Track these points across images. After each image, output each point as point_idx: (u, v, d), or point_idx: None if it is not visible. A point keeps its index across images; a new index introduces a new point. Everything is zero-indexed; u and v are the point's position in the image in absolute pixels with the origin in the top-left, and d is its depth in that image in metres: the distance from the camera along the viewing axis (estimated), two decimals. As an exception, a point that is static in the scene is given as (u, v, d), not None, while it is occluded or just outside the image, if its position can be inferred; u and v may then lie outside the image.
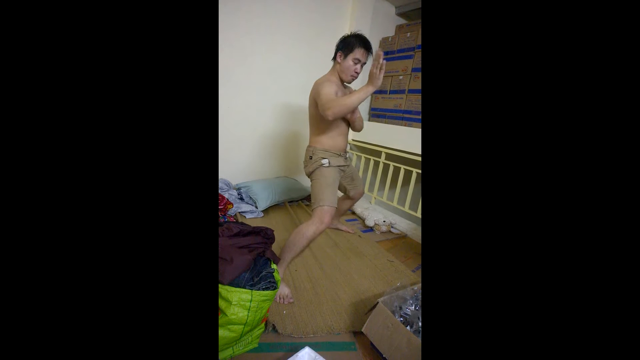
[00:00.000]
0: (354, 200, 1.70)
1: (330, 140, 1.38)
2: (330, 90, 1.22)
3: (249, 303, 0.80)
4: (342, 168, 1.42)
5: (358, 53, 1.25)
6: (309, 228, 1.21)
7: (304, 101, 2.45)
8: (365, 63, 1.29)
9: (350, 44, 1.26)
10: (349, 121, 1.42)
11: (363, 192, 1.69)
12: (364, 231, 1.95)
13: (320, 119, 1.33)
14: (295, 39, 2.26)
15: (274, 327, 1.00)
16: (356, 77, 1.32)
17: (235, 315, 0.78)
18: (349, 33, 1.31)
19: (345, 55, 1.27)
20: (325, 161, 1.35)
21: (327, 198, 1.27)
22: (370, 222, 1.98)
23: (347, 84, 1.40)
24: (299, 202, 2.34)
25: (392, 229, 2.02)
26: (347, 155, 1.54)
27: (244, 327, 0.80)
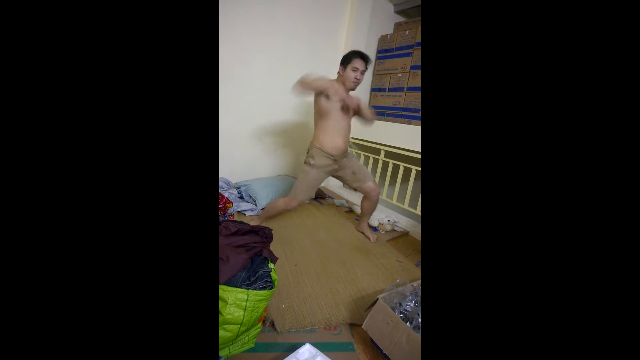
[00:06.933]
0: (369, 198, 1.67)
1: (327, 139, 1.55)
2: (321, 78, 1.48)
3: (245, 303, 0.80)
4: (328, 170, 1.59)
5: (356, 63, 1.47)
6: (279, 203, 1.63)
7: (303, 99, 2.43)
8: (364, 71, 1.49)
9: (349, 57, 1.49)
10: (359, 113, 1.56)
11: (375, 188, 1.64)
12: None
13: (319, 117, 1.56)
14: (295, 37, 2.25)
15: (272, 324, 0.99)
16: (358, 83, 1.51)
17: (231, 315, 0.77)
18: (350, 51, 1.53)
19: (345, 67, 1.49)
20: (311, 160, 1.56)
21: (301, 194, 1.58)
22: (374, 222, 1.97)
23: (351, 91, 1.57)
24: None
25: (395, 228, 2.01)
26: (344, 156, 1.64)
27: (240, 327, 0.79)
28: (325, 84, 1.45)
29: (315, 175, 1.57)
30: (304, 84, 1.43)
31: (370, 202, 1.68)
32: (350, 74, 1.48)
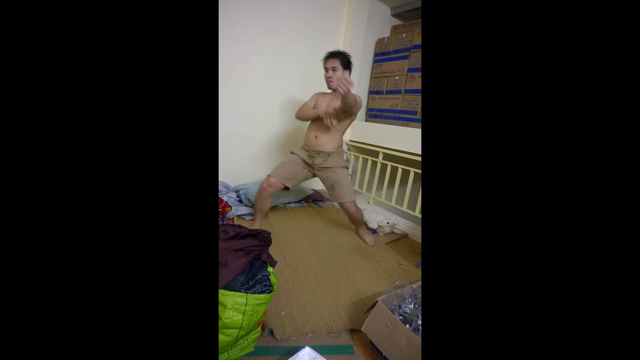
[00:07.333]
0: (347, 215, 1.75)
1: (305, 135, 1.79)
2: (307, 101, 1.76)
3: (244, 307, 0.80)
4: (302, 158, 1.73)
5: (324, 64, 1.63)
6: (256, 192, 1.73)
7: (302, 100, 2.44)
8: (334, 68, 1.59)
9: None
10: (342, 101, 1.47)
11: (349, 208, 1.66)
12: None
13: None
14: (293, 39, 2.27)
15: (271, 331, 0.99)
16: (330, 81, 1.62)
17: (230, 319, 0.77)
18: None
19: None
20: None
21: (274, 169, 1.70)
22: (373, 225, 1.97)
23: (343, 92, 1.57)
24: (301, 202, 2.33)
25: (394, 230, 2.01)
26: (323, 157, 1.69)
27: (239, 331, 0.79)
28: (308, 103, 1.69)
29: (289, 157, 1.76)
30: (298, 115, 1.70)
31: (350, 218, 1.77)
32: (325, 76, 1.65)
